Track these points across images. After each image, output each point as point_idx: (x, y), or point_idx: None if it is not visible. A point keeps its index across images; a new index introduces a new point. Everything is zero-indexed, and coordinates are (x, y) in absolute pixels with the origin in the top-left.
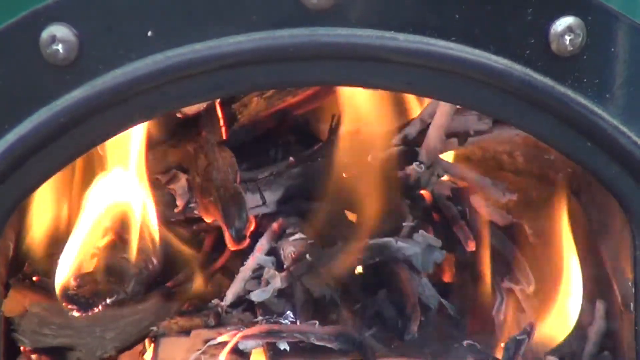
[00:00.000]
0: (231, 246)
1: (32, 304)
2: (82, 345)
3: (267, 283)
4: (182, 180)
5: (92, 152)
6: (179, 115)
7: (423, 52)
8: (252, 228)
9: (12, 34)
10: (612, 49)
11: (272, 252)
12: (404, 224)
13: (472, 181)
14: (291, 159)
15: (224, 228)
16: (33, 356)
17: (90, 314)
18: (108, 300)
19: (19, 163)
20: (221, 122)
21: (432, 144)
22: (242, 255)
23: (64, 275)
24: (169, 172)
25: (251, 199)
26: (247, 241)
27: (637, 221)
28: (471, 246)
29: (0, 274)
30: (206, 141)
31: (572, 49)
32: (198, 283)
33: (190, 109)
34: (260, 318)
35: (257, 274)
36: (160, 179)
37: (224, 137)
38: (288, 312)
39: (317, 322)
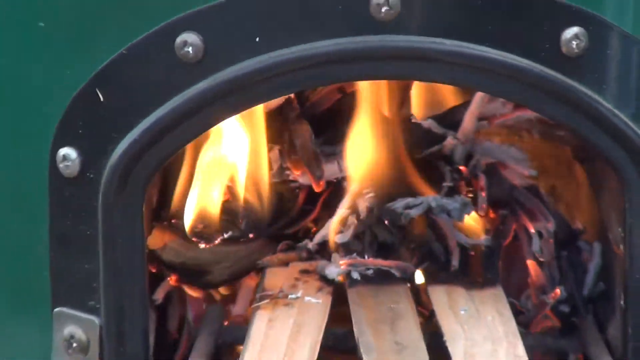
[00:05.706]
0: (316, 188)
1: (170, 240)
2: (208, 273)
3: (348, 228)
4: (275, 150)
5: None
6: (265, 110)
7: (464, 54)
8: (325, 174)
9: (153, 40)
10: (608, 52)
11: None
12: (443, 184)
13: (503, 158)
14: None
15: (309, 175)
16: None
17: (212, 246)
18: (225, 235)
19: (158, 138)
20: (294, 102)
21: (467, 127)
22: (325, 209)
23: (191, 217)
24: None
25: (330, 169)
26: (323, 183)
27: (627, 183)
28: (483, 209)
29: (146, 218)
30: (287, 118)
31: (577, 51)
32: (294, 228)
33: (274, 104)
34: (342, 255)
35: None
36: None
37: (299, 111)
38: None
39: (383, 258)
